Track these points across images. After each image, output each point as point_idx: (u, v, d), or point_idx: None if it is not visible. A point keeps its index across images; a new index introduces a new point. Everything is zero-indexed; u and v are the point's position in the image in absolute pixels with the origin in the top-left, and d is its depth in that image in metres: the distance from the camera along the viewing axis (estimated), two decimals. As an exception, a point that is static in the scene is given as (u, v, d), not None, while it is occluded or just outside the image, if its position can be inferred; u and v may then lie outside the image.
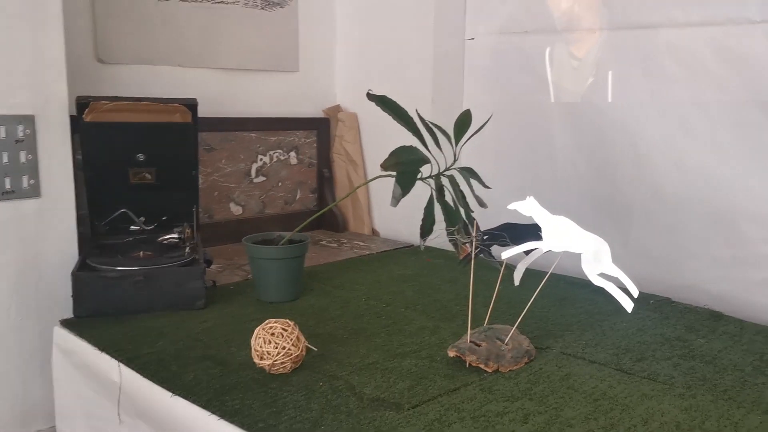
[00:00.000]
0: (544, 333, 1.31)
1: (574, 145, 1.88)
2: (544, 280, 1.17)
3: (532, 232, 1.19)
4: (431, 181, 1.36)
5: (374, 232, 2.29)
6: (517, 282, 1.19)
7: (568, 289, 1.57)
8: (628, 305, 1.08)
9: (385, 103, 1.31)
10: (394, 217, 2.24)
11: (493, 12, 2.02)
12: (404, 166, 1.25)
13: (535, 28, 1.93)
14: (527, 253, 1.19)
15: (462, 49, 2.11)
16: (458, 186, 1.38)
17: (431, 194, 1.33)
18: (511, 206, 1.17)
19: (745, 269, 1.61)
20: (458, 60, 2.11)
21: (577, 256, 1.12)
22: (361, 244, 2.09)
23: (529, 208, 1.15)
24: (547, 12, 1.89)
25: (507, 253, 1.15)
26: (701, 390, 1.06)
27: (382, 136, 2.29)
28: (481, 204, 1.32)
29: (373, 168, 2.32)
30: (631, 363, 1.17)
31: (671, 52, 1.68)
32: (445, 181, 1.37)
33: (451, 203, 1.33)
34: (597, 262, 1.10)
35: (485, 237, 1.19)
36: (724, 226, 1.63)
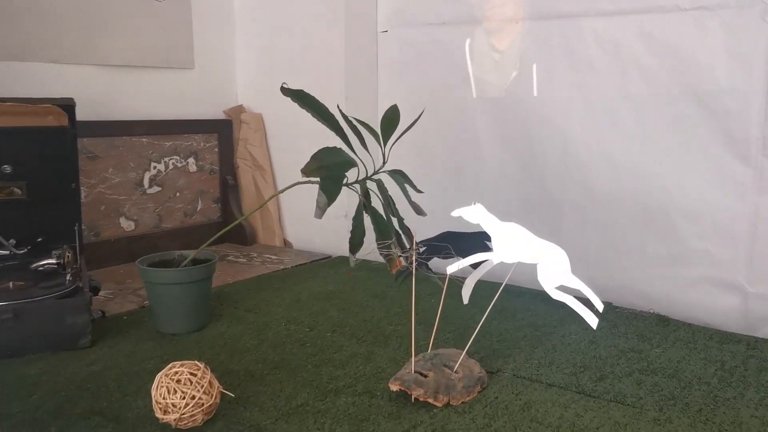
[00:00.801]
0: (491, 353, 1.17)
1: (500, 143, 1.76)
2: (496, 296, 1.03)
3: (478, 241, 1.05)
4: (357, 187, 1.20)
5: (286, 244, 2.09)
6: (466, 300, 1.05)
7: (506, 298, 1.43)
8: (593, 321, 0.96)
9: (302, 98, 1.13)
10: (308, 226, 2.06)
11: (407, 1, 1.88)
12: (329, 171, 1.08)
13: (453, 18, 1.80)
14: (475, 266, 1.05)
15: (375, 42, 1.95)
16: (387, 191, 1.22)
17: (360, 203, 1.16)
18: (456, 213, 1.02)
19: (680, 267, 1.54)
20: (371, 54, 1.96)
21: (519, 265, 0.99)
22: (274, 257, 1.90)
23: (476, 215, 1.01)
24: (465, 1, 1.77)
25: (453, 268, 1.00)
26: (675, 412, 0.95)
27: (292, 138, 2.11)
28: (419, 212, 1.17)
29: (283, 173, 2.13)
30: (592, 383, 1.05)
31: (598, 43, 1.59)
32: (371, 185, 1.20)
33: (382, 211, 1.17)
34: (554, 273, 0.97)
35: (423, 249, 1.04)
36: (658, 223, 1.56)
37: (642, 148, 1.56)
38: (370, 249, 1.11)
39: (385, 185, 1.22)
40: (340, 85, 1.95)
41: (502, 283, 1.03)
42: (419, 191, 1.21)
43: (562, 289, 0.98)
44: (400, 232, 1.18)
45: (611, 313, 1.38)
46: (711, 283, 1.51)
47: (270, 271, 1.74)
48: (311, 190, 1.13)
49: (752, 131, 1.42)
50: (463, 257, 1.02)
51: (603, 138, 1.60)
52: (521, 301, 1.43)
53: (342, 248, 1.92)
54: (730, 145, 1.45)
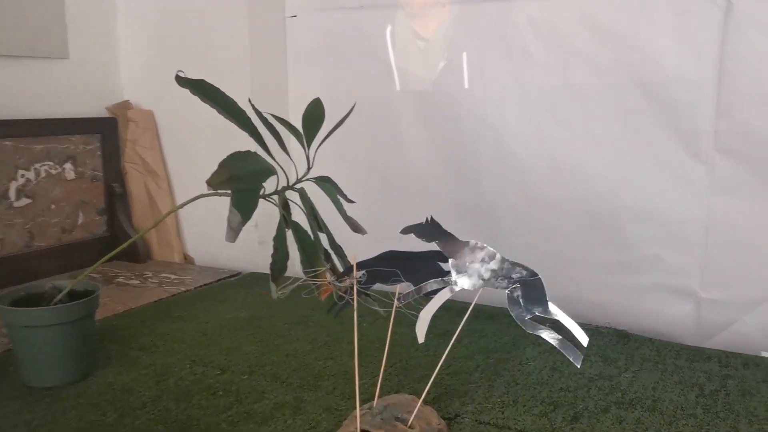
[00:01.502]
0: (443, 391, 0.99)
1: (428, 141, 1.59)
2: (460, 326, 0.84)
3: (429, 263, 0.86)
4: (277, 199, 0.98)
5: (187, 259, 1.83)
6: (421, 338, 0.86)
7: (446, 317, 1.27)
8: (577, 359, 0.79)
9: (203, 90, 0.90)
10: (211, 238, 1.81)
11: (318, -18, 1.67)
12: (242, 182, 0.86)
13: (371, 1, 1.61)
14: (428, 294, 0.85)
15: (283, 28, 1.73)
16: (311, 203, 1.01)
17: (280, 219, 0.94)
18: (405, 231, 0.83)
19: (631, 274, 1.42)
20: (279, 42, 1.73)
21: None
22: (172, 277, 1.64)
23: (428, 232, 0.82)
24: (385, -18, 1.58)
25: (428, 312, 0.81)
26: (673, 459, 0.80)
27: (190, 138, 1.85)
28: (356, 229, 0.97)
29: (181, 179, 1.87)
30: (568, 425, 0.88)
31: (535, 28, 1.44)
32: (293, 195, 0.99)
33: (306, 227, 0.96)
34: (528, 301, 0.80)
35: (363, 276, 0.84)
36: (606, 227, 1.42)
37: (586, 145, 1.42)
38: (299, 280, 0.89)
39: (309, 195, 1.01)
40: (244, 78, 1.71)
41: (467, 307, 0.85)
42: (350, 201, 1.01)
43: (538, 320, 0.81)
44: (331, 251, 0.97)
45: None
46: (663, 290, 1.40)
47: (169, 294, 1.49)
48: (216, 196, 0.91)
49: (703, 125, 1.31)
50: (414, 284, 0.83)
51: (543, 135, 1.46)
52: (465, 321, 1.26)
53: (253, 263, 1.70)
54: (680, 141, 1.33)
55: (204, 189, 0.96)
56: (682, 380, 1.03)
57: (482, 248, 0.81)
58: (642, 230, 1.39)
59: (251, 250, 1.70)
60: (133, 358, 1.12)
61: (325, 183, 0.96)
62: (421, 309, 0.86)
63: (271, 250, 1.55)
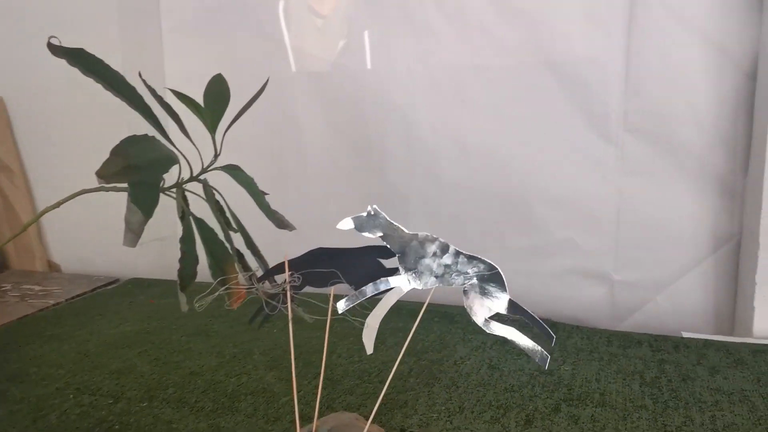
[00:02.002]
0: (382, 403, 0.88)
1: (328, 126, 1.47)
2: (413, 330, 0.73)
3: (370, 261, 0.75)
4: (176, 192, 0.83)
5: (52, 267, 1.60)
6: (370, 349, 0.74)
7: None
8: (543, 360, 0.71)
9: (83, 61, 0.74)
10: (81, 240, 1.60)
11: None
12: (141, 173, 0.70)
13: (259, -26, 1.47)
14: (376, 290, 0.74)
15: (156, 1, 1.54)
16: (214, 197, 0.87)
17: (186, 219, 0.80)
18: (343, 225, 0.71)
19: (544, 259, 1.38)
20: (152, 16, 1.54)
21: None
22: (37, 288, 1.42)
23: (371, 225, 0.71)
24: (275, -48, 1.44)
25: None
26: (642, 459, 0.75)
27: (50, 127, 1.61)
28: (282, 224, 0.84)
29: (40, 174, 1.63)
30: (524, 430, 0.81)
31: (439, 5, 1.36)
32: (197, 187, 0.84)
33: (221, 227, 0.82)
34: (487, 299, 0.71)
35: (297, 278, 0.71)
36: (518, 212, 1.38)
37: (495, 127, 1.37)
38: (223, 287, 0.75)
39: (218, 188, 0.86)
40: (115, 59, 1.50)
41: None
42: (263, 193, 0.88)
43: (499, 318, 0.72)
44: (249, 252, 0.84)
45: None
46: (577, 274, 1.37)
47: (35, 309, 1.27)
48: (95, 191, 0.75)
49: (612, 105, 1.29)
50: (355, 286, 0.71)
51: (451, 117, 1.39)
52: (383, 323, 1.16)
53: (133, 267, 1.51)
54: (590, 122, 1.31)
55: (74, 184, 0.80)
56: (620, 369, 0.98)
57: (433, 241, 0.71)
58: (554, 214, 1.36)
59: (130, 252, 1.51)
60: (0, 391, 0.92)
61: (238, 172, 0.82)
62: (356, 313, 0.74)
63: (159, 251, 1.37)
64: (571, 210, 1.35)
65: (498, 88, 1.34)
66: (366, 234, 0.72)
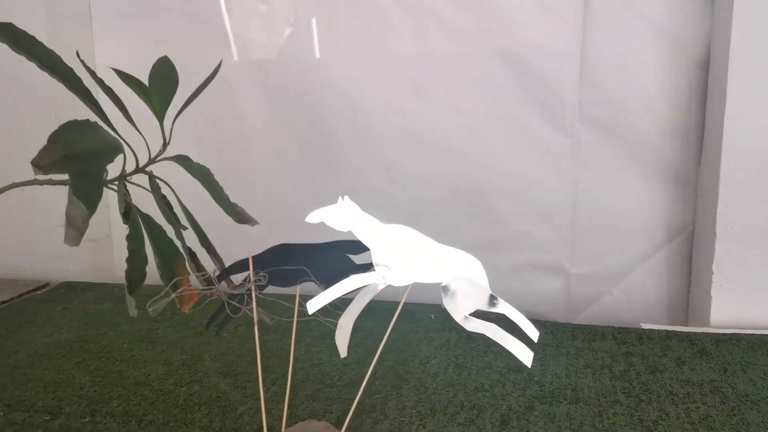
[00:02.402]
0: (346, 407, 0.83)
1: (274, 118, 1.40)
2: (388, 332, 0.68)
3: (338, 257, 0.70)
4: (117, 185, 0.75)
5: (-27, 272, 1.47)
6: (344, 352, 0.68)
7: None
8: (527, 357, 0.67)
9: (14, 38, 0.65)
10: (4, 241, 1.47)
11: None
12: (82, 163, 0.62)
13: (198, -43, 1.39)
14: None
15: (85, -15, 1.44)
16: (160, 190, 0.79)
17: (134, 215, 0.72)
18: (314, 217, 0.66)
19: (500, 253, 1.35)
20: (83, 1, 1.44)
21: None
22: (-44, 296, 1.29)
23: (345, 218, 0.65)
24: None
25: (316, 304, 0.63)
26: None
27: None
28: (244, 219, 0.77)
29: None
30: (500, 431, 0.77)
31: (391, -7, 1.31)
32: (142, 180, 0.77)
33: (170, 223, 0.75)
34: (466, 295, 0.66)
35: (262, 278, 0.65)
36: (474, 205, 1.35)
37: (449, 118, 1.33)
38: (178, 291, 0.68)
39: (161, 178, 0.79)
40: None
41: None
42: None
43: (479, 315, 0.68)
44: (205, 251, 0.77)
45: (450, 319, 1.12)
46: (533, 267, 1.35)
47: (-45, 319, 1.16)
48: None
49: (568, 95, 1.27)
50: (325, 284, 0.66)
51: (404, 108, 1.34)
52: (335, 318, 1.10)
53: (66, 269, 1.40)
54: (545, 112, 1.29)
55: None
56: (588, 363, 0.96)
57: (409, 233, 0.66)
58: (510, 207, 1.34)
59: (60, 254, 1.41)
60: None
61: (190, 162, 0.75)
62: (327, 314, 0.69)
63: (92, 253, 1.27)
64: (528, 202, 1.33)
65: (451, 78, 1.31)
66: (337, 227, 0.67)
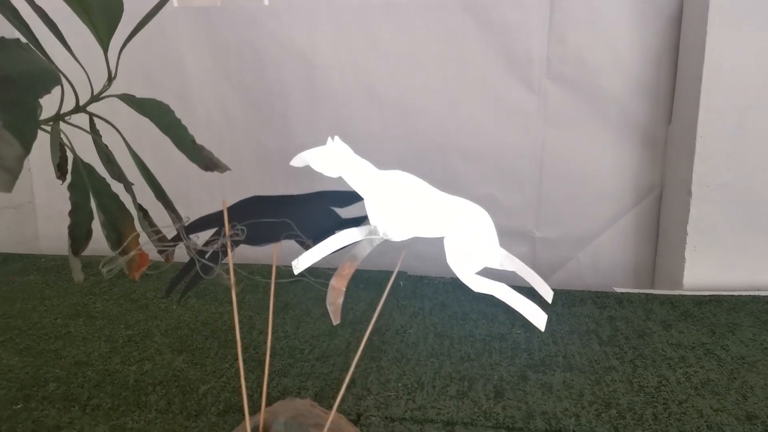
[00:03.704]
0: (324, 384, 0.74)
1: (219, 72, 1.28)
2: (381, 302, 0.59)
3: (322, 209, 0.60)
4: (51, 128, 0.63)
5: None
6: (336, 319, 0.59)
7: (280, 286, 1.01)
8: (541, 319, 0.60)
9: None
10: None
11: None
12: (15, 89, 0.50)
13: None
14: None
15: None
16: (101, 138, 0.68)
17: (76, 163, 0.60)
18: (300, 160, 0.56)
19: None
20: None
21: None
22: None
23: (335, 161, 0.56)
24: None
25: (304, 262, 0.54)
26: (631, 428, 0.66)
27: None
28: (213, 165, 0.66)
29: None
30: (498, 404, 0.70)
31: (347, -65, 1.21)
32: (80, 120, 0.65)
33: (110, 175, 0.63)
34: (473, 251, 0.58)
35: (238, 232, 0.55)
36: (435, 167, 1.27)
37: (409, 74, 1.24)
38: (138, 249, 0.57)
39: (104, 119, 0.67)
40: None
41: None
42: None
43: (486, 273, 0.60)
44: (154, 205, 0.66)
45: (420, 286, 1.05)
46: (499, 232, 1.28)
47: None
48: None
49: (535, 50, 1.20)
50: (312, 239, 0.56)
51: (361, 63, 1.24)
52: (302, 289, 1.01)
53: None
54: (511, 68, 1.22)
55: None
56: (573, 329, 0.90)
57: (408, 180, 0.57)
58: (474, 169, 1.27)
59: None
60: None
61: (143, 100, 0.64)
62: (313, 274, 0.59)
63: (14, 221, 1.14)
64: (492, 164, 1.26)
65: (412, 30, 1.22)
66: (326, 172, 0.57)
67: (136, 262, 0.67)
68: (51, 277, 1.06)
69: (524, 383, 0.74)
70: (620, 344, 0.85)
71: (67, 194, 0.61)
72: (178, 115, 1.23)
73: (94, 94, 0.63)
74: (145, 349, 0.81)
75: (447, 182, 1.27)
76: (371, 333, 0.84)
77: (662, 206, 1.23)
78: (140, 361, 0.78)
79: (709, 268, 1.11)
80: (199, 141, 1.26)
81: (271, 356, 0.80)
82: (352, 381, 0.73)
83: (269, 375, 0.75)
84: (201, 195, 1.30)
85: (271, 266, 0.58)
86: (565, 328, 0.91)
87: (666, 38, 1.17)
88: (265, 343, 0.83)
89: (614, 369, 0.78)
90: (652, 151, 1.22)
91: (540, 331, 0.86)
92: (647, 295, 1.03)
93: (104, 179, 0.66)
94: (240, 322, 0.89)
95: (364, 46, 1.23)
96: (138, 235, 0.67)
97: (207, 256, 0.53)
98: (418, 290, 1.03)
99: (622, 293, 1.04)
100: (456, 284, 1.07)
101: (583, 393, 0.72)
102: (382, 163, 1.23)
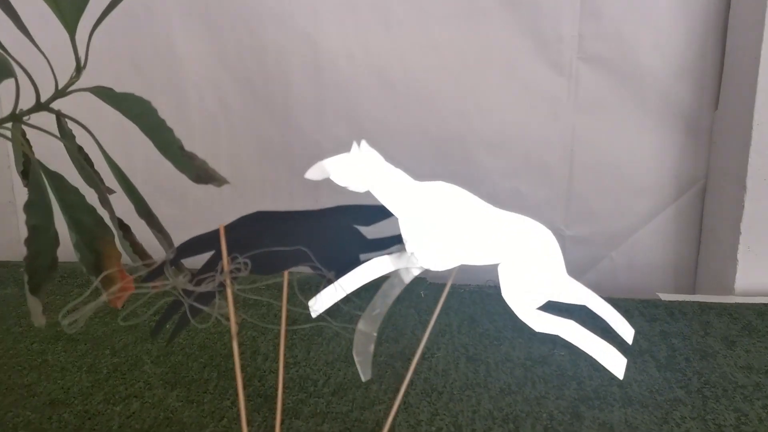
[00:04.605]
0: (344, 427, 0.63)
1: (214, 57, 1.16)
2: (434, 317, 0.48)
3: (340, 229, 0.49)
4: (10, 130, 0.51)
5: None
6: (366, 375, 0.47)
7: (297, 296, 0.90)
8: (618, 365, 0.48)
9: None
10: None
11: None
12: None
13: None
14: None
15: None
16: (74, 138, 0.56)
17: (34, 170, 0.49)
18: (316, 172, 0.45)
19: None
20: None
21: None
22: None
23: (360, 171, 0.44)
24: None
25: (323, 302, 0.42)
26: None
27: None
28: (208, 177, 0.54)
29: None
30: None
31: None
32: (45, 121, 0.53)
33: (90, 184, 0.52)
34: (535, 281, 0.47)
35: (242, 263, 0.43)
36: (456, 159, 1.16)
37: (426, 57, 1.12)
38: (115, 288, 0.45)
39: (73, 118, 0.56)
40: None
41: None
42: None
43: (549, 308, 0.48)
44: (137, 221, 0.54)
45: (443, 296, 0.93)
46: (524, 231, 1.17)
47: None
48: None
49: (565, 27, 1.08)
50: (333, 269, 0.45)
51: (372, 46, 1.12)
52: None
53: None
54: (538, 47, 1.10)
55: None
56: (625, 348, 0.78)
57: (455, 193, 0.45)
58: (497, 161, 1.15)
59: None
60: None
61: (120, 95, 0.52)
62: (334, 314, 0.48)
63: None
64: (517, 155, 1.14)
65: (428, 8, 1.10)
66: (351, 185, 0.46)
67: (120, 290, 0.55)
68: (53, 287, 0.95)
69: (579, 423, 0.63)
70: (681, 368, 0.74)
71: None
72: (169, 108, 1.10)
73: (59, 88, 0.51)
74: (133, 382, 0.70)
75: (467, 176, 1.16)
76: (391, 357, 0.73)
77: (707, 201, 1.11)
78: (126, 399, 0.66)
79: (764, 271, 1.00)
80: (194, 133, 1.15)
81: (277, 389, 0.68)
82: (376, 423, 0.62)
83: (274, 412, 0.63)
84: (198, 194, 1.18)
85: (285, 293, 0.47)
86: (615, 347, 0.79)
87: (713, 12, 1.05)
88: (271, 372, 0.72)
89: (681, 402, 0.67)
90: (695, 139, 1.10)
91: (583, 352, 0.75)
92: (700, 304, 0.92)
93: (77, 190, 0.55)
94: (241, 345, 0.78)
95: (373, 24, 1.11)
96: (120, 256, 0.55)
97: (194, 296, 0.42)
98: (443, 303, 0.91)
99: (670, 302, 0.93)
100: (484, 294, 0.96)
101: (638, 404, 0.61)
102: (394, 157, 1.10)
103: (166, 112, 1.19)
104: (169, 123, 1.12)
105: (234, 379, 0.70)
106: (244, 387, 0.68)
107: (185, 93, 1.17)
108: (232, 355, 0.74)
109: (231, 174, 1.14)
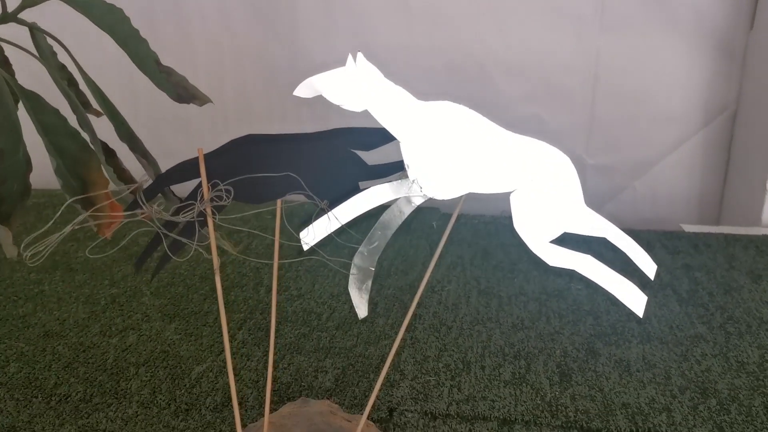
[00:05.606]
0: (348, 363, 0.60)
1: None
2: (435, 256, 0.44)
3: (339, 153, 0.44)
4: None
5: None
6: (363, 312, 0.44)
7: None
8: (639, 303, 0.45)
9: None
10: None
11: None
12: None
13: None
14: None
15: None
16: (52, 51, 0.52)
17: (5, 87, 0.44)
18: (305, 89, 0.40)
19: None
20: None
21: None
22: None
23: (356, 88, 0.40)
24: None
25: (313, 232, 0.39)
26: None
27: None
28: (187, 95, 0.49)
29: None
30: (566, 393, 0.55)
31: None
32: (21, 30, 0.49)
33: (72, 106, 0.48)
34: (550, 212, 0.42)
35: (223, 190, 0.40)
36: (472, 83, 1.10)
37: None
38: (81, 220, 0.42)
39: (48, 33, 0.51)
40: None
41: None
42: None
43: (566, 241, 0.44)
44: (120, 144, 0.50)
45: (455, 227, 0.90)
46: (543, 159, 1.12)
47: None
48: None
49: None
50: (327, 199, 0.41)
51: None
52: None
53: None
54: (562, -39, 1.02)
55: None
56: (645, 282, 0.75)
57: (462, 113, 0.41)
58: (517, 85, 1.09)
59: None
60: None
61: (96, 5, 0.47)
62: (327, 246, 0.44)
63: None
64: (537, 79, 1.08)
65: None
66: (346, 104, 0.41)
67: (107, 219, 0.52)
68: (30, 218, 0.92)
69: (594, 360, 0.60)
70: (704, 303, 0.70)
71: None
72: (170, 31, 1.05)
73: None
74: (131, 314, 0.67)
75: (486, 102, 1.09)
76: (399, 290, 0.70)
77: (736, 129, 1.05)
78: (123, 331, 0.64)
79: (795, 202, 0.94)
80: (195, 58, 1.09)
81: (280, 322, 0.66)
82: (381, 358, 0.59)
83: (279, 349, 0.61)
84: (202, 125, 1.14)
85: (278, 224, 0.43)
86: (633, 280, 0.75)
87: None
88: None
89: (702, 338, 0.63)
90: (727, 62, 1.03)
91: (595, 285, 0.71)
92: (725, 236, 0.87)
93: (57, 111, 0.51)
94: (245, 276, 0.75)
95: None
96: (107, 183, 0.52)
97: (180, 227, 0.38)
98: (454, 233, 0.87)
99: (694, 234, 0.88)
100: (499, 224, 0.92)
101: (669, 374, 0.58)
102: (409, 80, 1.03)
103: (162, 33, 1.13)
104: (173, 50, 1.07)
105: (235, 312, 0.68)
106: (245, 320, 0.66)
107: (186, 15, 1.11)
108: (234, 287, 0.71)
109: (236, 102, 1.10)
